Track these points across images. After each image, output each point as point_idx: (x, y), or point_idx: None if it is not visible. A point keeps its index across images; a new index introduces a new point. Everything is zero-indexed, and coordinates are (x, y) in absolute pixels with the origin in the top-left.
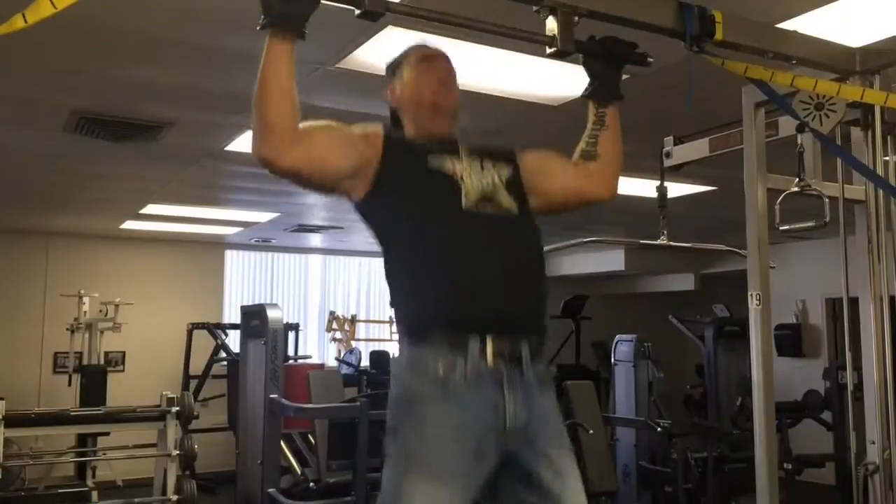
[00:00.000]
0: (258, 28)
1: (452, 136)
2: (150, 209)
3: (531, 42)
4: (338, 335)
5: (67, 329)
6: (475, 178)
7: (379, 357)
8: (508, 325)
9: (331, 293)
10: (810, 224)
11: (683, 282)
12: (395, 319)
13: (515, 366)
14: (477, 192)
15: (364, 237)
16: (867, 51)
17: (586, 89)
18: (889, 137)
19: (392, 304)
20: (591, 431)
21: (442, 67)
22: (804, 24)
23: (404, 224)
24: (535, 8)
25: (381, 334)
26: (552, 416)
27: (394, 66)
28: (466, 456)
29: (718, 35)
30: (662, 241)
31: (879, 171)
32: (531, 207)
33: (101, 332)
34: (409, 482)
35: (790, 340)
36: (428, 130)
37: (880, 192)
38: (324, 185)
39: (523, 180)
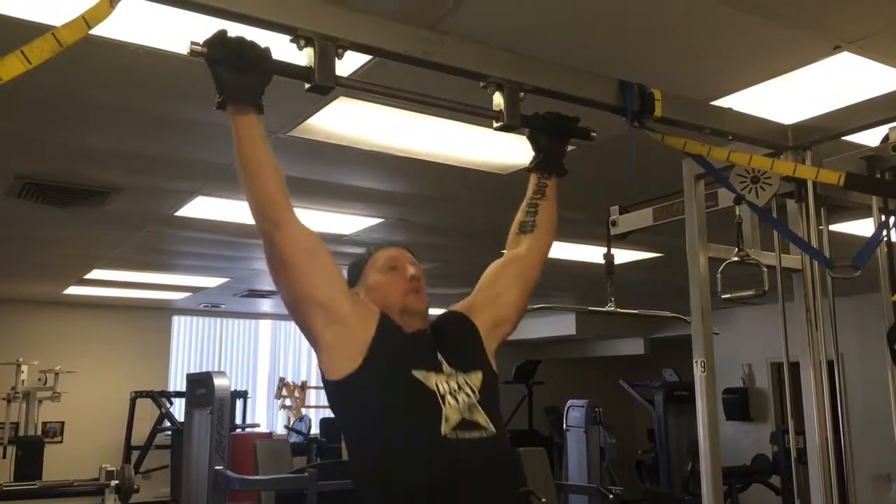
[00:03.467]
0: (215, 107)
1: (426, 325)
2: (96, 274)
3: (479, 116)
4: (287, 402)
5: (3, 398)
6: (453, 400)
7: (330, 424)
8: None
9: (281, 359)
10: (750, 293)
11: (633, 346)
12: None
13: None
14: (456, 417)
15: None
16: (798, 127)
17: (532, 162)
18: (822, 209)
19: (357, 487)
20: (544, 500)
21: (408, 269)
22: (739, 101)
23: (381, 427)
24: (482, 84)
25: None
26: None
27: (357, 269)
28: None
29: (658, 111)
30: (610, 307)
31: (814, 242)
32: (495, 364)
33: (40, 401)
34: None
35: (737, 404)
36: (410, 326)
37: (815, 261)
38: (298, 286)
39: (485, 342)
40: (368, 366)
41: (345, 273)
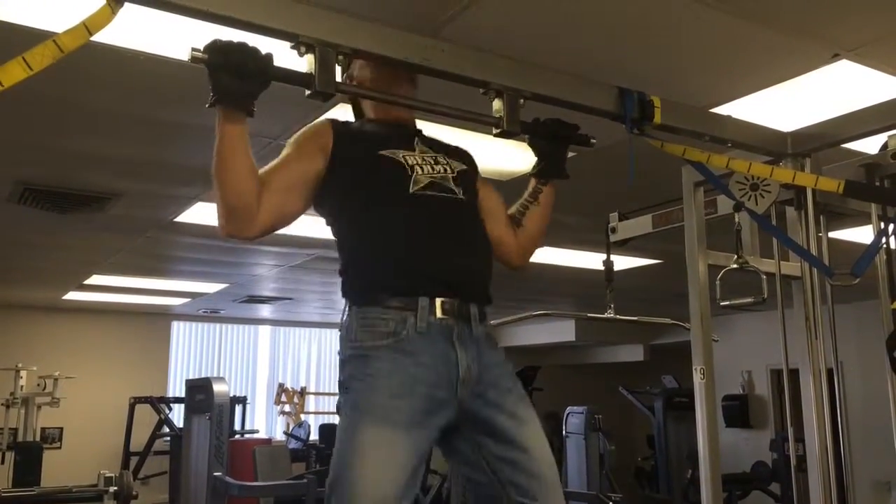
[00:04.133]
0: (207, 105)
1: (412, 124)
2: (95, 280)
3: (479, 123)
4: (287, 408)
5: (2, 404)
6: (426, 168)
7: (329, 430)
8: (455, 287)
9: (280, 365)
10: (750, 300)
11: (632, 353)
12: (343, 288)
13: (464, 322)
14: (426, 179)
15: (314, 308)
16: (797, 135)
17: (534, 168)
18: (821, 216)
19: (341, 272)
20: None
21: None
22: (738, 108)
23: (355, 202)
24: (482, 90)
25: (331, 407)
26: (504, 370)
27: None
28: (420, 406)
29: (657, 119)
30: (609, 314)
31: (812, 249)
32: (475, 198)
33: (39, 407)
34: (362, 429)
35: (737, 411)
36: (387, 115)
37: (815, 269)
38: (296, 217)
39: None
40: (333, 163)
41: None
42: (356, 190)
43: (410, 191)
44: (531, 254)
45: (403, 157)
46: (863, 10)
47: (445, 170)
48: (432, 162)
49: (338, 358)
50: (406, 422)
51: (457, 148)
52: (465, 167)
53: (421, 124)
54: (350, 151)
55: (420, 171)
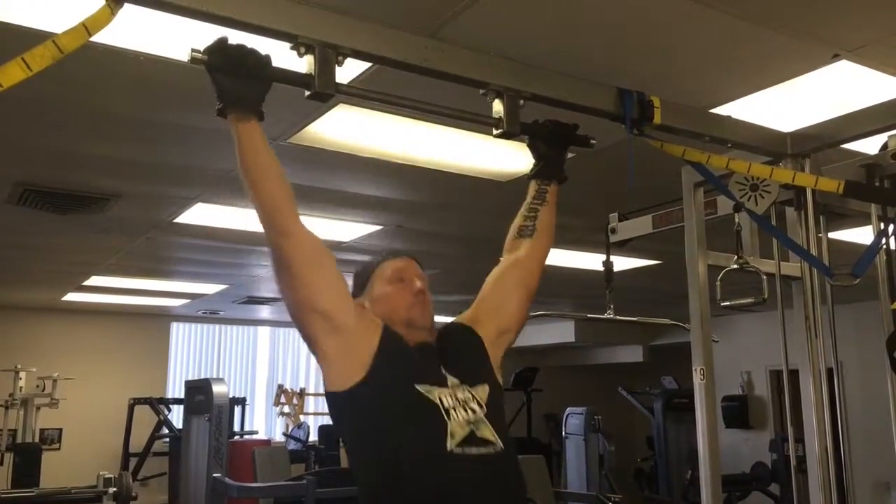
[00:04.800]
0: (216, 114)
1: (432, 338)
2: (95, 281)
3: (478, 123)
4: (286, 409)
5: (1, 405)
6: (459, 414)
7: (328, 432)
8: None
9: (279, 366)
10: (749, 300)
11: (632, 353)
12: None
13: None
14: (463, 432)
15: None
16: (797, 135)
17: (532, 169)
18: (821, 217)
19: None
20: None
21: (414, 283)
22: (738, 109)
23: (386, 443)
24: (482, 91)
25: None
26: None
27: (363, 278)
28: None
29: (657, 119)
30: (609, 314)
31: (812, 250)
32: (500, 376)
33: (38, 408)
34: None
35: (737, 412)
36: (409, 325)
37: (815, 269)
38: (302, 293)
39: (490, 353)
40: (370, 379)
41: (350, 282)
42: (390, 425)
43: (448, 448)
44: (547, 253)
45: (439, 397)
46: (863, 10)
47: (475, 410)
48: (462, 402)
49: None
50: None
51: (458, 331)
52: (486, 383)
53: (420, 128)
54: (389, 368)
55: (455, 419)
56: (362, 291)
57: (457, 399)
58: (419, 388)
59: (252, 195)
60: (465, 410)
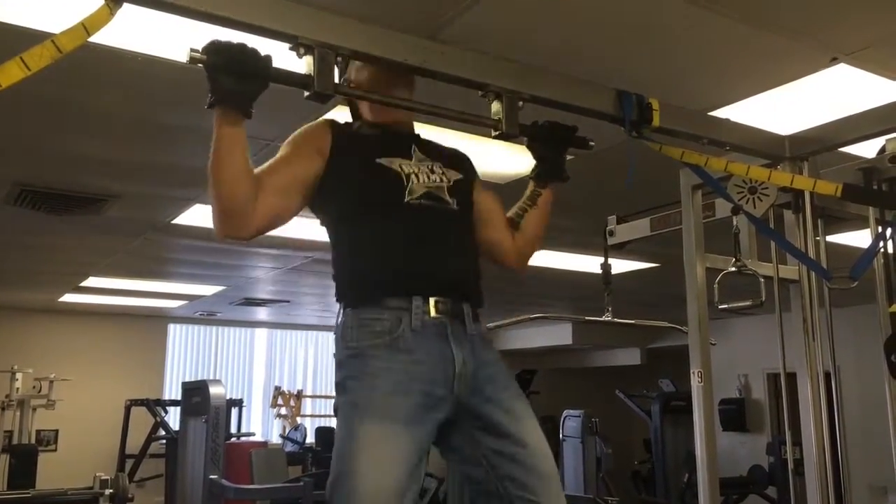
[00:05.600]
0: (206, 106)
1: (410, 127)
2: (91, 282)
3: (477, 125)
4: (283, 411)
5: None
6: (422, 178)
7: (325, 434)
8: (448, 287)
9: (276, 368)
10: (747, 303)
11: (630, 356)
12: (338, 291)
13: (458, 321)
14: (421, 189)
15: (311, 310)
16: (796, 138)
17: (533, 171)
18: (819, 220)
19: (335, 276)
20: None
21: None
22: (736, 112)
23: (351, 209)
24: (480, 93)
25: (327, 410)
26: (499, 366)
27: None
28: (418, 402)
29: (655, 121)
30: (607, 317)
31: (810, 253)
32: (469, 208)
33: (34, 409)
34: (362, 426)
35: (734, 415)
36: (385, 117)
37: (812, 272)
38: (292, 218)
39: (473, 187)
40: (329, 169)
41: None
42: (353, 197)
43: (406, 200)
44: (529, 256)
45: (400, 165)
46: (861, 13)
47: (441, 179)
48: (428, 171)
49: (333, 355)
50: (405, 418)
51: (455, 152)
52: (460, 176)
53: (418, 127)
54: (348, 156)
55: (416, 181)
56: (346, 70)
57: (420, 168)
58: (380, 160)
59: (216, 190)
60: (428, 177)
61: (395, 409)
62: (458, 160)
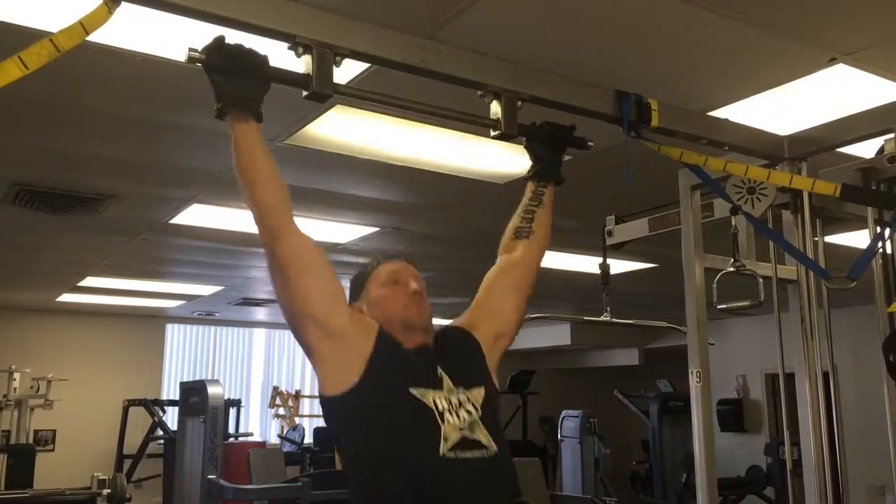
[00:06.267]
0: (214, 115)
1: (428, 339)
2: (89, 282)
3: (476, 125)
4: (281, 411)
5: None
6: (453, 418)
7: (323, 434)
8: None
9: (275, 368)
10: (746, 303)
11: (628, 356)
12: None
13: None
14: (456, 436)
15: None
16: (794, 139)
17: (529, 171)
18: (818, 220)
19: None
20: None
21: (409, 284)
22: (735, 112)
23: (380, 444)
24: (479, 92)
25: None
26: None
27: (360, 281)
28: None
29: (654, 122)
30: (605, 317)
31: (809, 253)
32: (496, 379)
33: (32, 409)
34: None
35: (732, 415)
36: (406, 326)
37: (811, 272)
38: (297, 298)
39: (486, 356)
40: (365, 383)
41: (346, 286)
42: (383, 429)
43: (440, 452)
44: (543, 255)
45: (434, 400)
46: (860, 14)
47: (470, 413)
48: (457, 405)
49: None
50: None
51: (455, 335)
52: (482, 388)
53: (418, 129)
54: (384, 372)
55: (449, 423)
56: (359, 296)
57: (451, 402)
58: (413, 391)
59: (247, 196)
60: (460, 414)
61: None
62: (467, 350)
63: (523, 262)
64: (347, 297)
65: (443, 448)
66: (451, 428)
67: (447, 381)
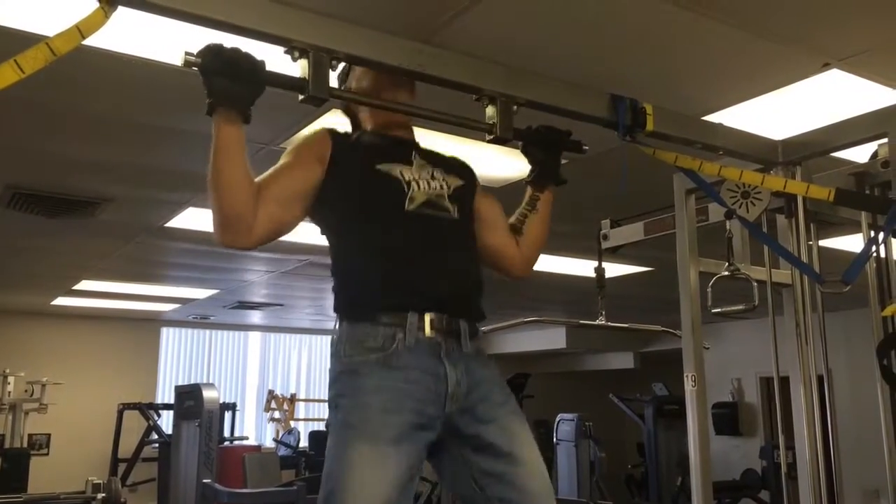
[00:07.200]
0: (205, 113)
1: (410, 135)
2: (84, 285)
3: (472, 129)
4: (276, 415)
5: None
6: (423, 184)
7: (318, 437)
8: (445, 303)
9: (270, 371)
10: (740, 307)
11: (623, 360)
12: (335, 303)
13: (454, 339)
14: (422, 197)
15: (305, 314)
16: (788, 143)
17: (529, 175)
18: (812, 224)
19: (334, 289)
20: None
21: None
22: (729, 117)
23: (350, 217)
24: (475, 97)
25: (321, 414)
26: (496, 385)
27: (347, 69)
28: (409, 421)
29: (649, 126)
30: (601, 320)
31: (803, 257)
32: (470, 216)
33: (26, 413)
34: (352, 446)
35: (727, 419)
36: (385, 125)
37: (805, 276)
38: (293, 227)
39: (476, 194)
40: (331, 174)
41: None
42: (352, 204)
43: (406, 208)
44: (534, 262)
45: (401, 171)
46: (853, 20)
47: (441, 186)
48: (428, 178)
49: (328, 370)
50: (396, 437)
51: (454, 159)
52: (461, 182)
53: (417, 133)
54: (348, 163)
55: (416, 188)
56: (346, 81)
57: (421, 175)
58: (380, 167)
59: (215, 198)
60: (431, 184)
61: (385, 428)
62: (458, 166)
63: (511, 250)
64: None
65: (408, 205)
66: (419, 193)
67: (419, 160)
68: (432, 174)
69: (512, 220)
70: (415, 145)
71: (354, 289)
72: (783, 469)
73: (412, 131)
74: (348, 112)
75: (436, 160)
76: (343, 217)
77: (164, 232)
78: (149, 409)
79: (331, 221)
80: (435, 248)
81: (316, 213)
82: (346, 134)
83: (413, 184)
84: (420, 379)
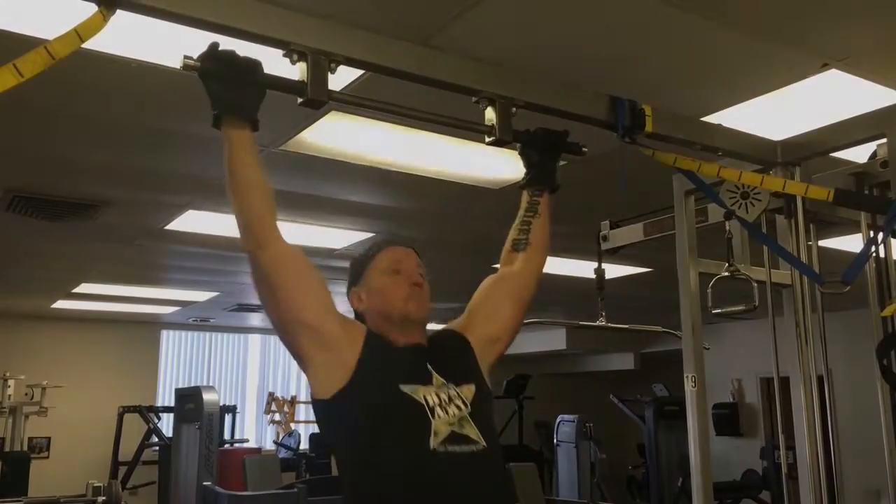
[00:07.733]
0: (212, 124)
1: (421, 344)
2: (84, 288)
3: (471, 131)
4: (276, 417)
5: None
6: (444, 413)
7: (319, 440)
8: None
9: (270, 374)
10: (740, 307)
11: (623, 361)
12: None
13: None
14: (445, 431)
15: None
16: (787, 144)
17: (523, 178)
18: (811, 225)
19: None
20: None
21: (413, 274)
22: (729, 117)
23: (370, 442)
24: (474, 99)
25: None
26: None
27: (360, 267)
28: None
29: (648, 127)
30: (601, 321)
31: (803, 257)
32: (490, 381)
33: (26, 416)
34: None
35: (727, 419)
36: (395, 340)
37: (805, 277)
38: (285, 307)
39: (479, 358)
40: (355, 384)
41: (338, 292)
42: (374, 427)
43: (431, 446)
44: (543, 266)
45: (423, 395)
46: (852, 20)
47: (460, 407)
48: (447, 400)
49: None
50: None
51: (451, 341)
52: (472, 384)
53: (412, 135)
54: (373, 372)
55: (440, 417)
56: (358, 282)
57: (441, 398)
58: (403, 388)
59: (233, 204)
60: (449, 409)
61: None
62: (459, 351)
63: (522, 273)
64: (348, 281)
65: (433, 442)
66: (441, 423)
67: (437, 378)
68: (449, 395)
69: (514, 234)
70: (427, 353)
71: None
72: (784, 469)
73: (424, 330)
74: (358, 317)
75: (445, 365)
76: (362, 436)
77: (164, 235)
78: (149, 411)
79: (346, 438)
80: (460, 492)
81: (333, 416)
82: (373, 335)
83: (437, 410)
84: None
